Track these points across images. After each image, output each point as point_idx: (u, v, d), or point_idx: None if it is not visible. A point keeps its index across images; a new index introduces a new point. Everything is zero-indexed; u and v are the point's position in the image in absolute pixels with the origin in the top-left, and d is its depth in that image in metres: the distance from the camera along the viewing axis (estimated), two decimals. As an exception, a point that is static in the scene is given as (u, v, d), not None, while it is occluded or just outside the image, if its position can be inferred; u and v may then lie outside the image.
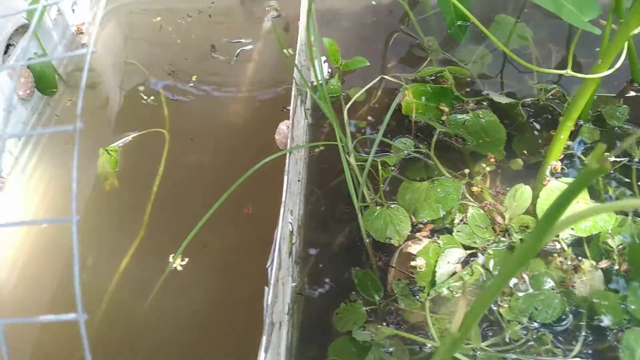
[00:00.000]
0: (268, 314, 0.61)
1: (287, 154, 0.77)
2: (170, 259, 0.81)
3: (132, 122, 1.03)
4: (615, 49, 0.74)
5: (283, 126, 0.87)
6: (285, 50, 1.15)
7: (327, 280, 0.82)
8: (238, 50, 1.14)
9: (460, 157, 0.95)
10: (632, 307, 0.72)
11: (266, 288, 0.63)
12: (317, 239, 0.87)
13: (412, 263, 0.78)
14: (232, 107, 1.09)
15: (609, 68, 0.77)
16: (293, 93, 0.85)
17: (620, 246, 0.78)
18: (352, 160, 0.82)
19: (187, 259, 0.83)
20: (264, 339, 0.59)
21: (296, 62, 0.91)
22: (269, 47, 1.20)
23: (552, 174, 0.89)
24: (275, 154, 0.76)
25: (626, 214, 0.82)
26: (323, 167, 0.96)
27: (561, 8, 0.70)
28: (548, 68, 1.10)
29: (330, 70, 1.07)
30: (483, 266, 0.78)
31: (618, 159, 0.88)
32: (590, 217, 0.80)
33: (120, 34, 1.22)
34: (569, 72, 0.77)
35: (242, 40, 1.19)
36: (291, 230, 0.76)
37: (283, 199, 0.72)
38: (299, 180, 0.88)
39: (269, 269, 0.65)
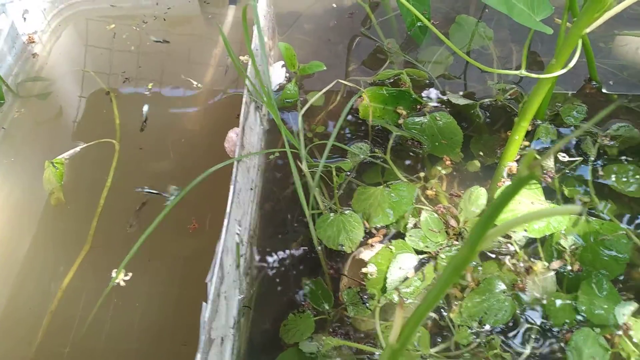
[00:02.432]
0: (205, 331, 0.59)
1: (235, 163, 0.75)
2: (114, 274, 0.79)
3: (83, 133, 1.01)
4: (568, 47, 0.73)
5: (232, 134, 0.85)
6: (242, 57, 1.13)
7: (278, 291, 0.80)
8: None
9: (417, 161, 0.93)
10: (583, 307, 0.71)
11: (204, 304, 0.61)
12: (271, 248, 0.85)
13: (363, 270, 0.76)
14: (189, 114, 1.07)
15: (563, 67, 0.76)
16: (244, 100, 0.83)
17: (573, 246, 0.77)
18: (304, 166, 0.80)
19: (130, 274, 0.80)
20: (199, 356, 0.57)
21: (248, 67, 0.89)
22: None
23: (509, 176, 0.88)
24: (220, 163, 0.74)
25: (580, 214, 0.81)
26: (279, 175, 0.94)
27: (512, 8, 0.69)
28: (509, 67, 1.09)
29: (288, 74, 1.05)
30: (435, 271, 0.77)
31: (572, 159, 0.87)
32: (542, 219, 0.79)
33: (75, 42, 1.19)
34: (523, 72, 0.76)
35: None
36: (238, 241, 0.74)
37: (227, 210, 0.70)
38: (251, 189, 0.86)
39: (208, 284, 0.63)
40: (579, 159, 0.88)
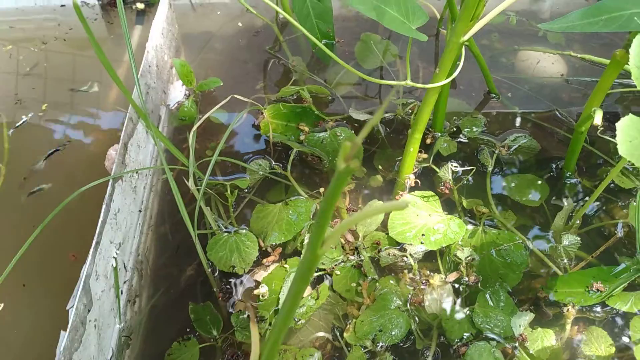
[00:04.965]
0: (59, 363, 0.53)
1: (110, 181, 0.70)
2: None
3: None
4: (450, 56, 0.73)
5: (112, 151, 0.81)
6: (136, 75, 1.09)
7: (169, 318, 0.75)
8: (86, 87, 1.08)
9: (322, 177, 0.91)
10: (479, 320, 0.70)
11: (62, 332, 0.55)
12: (163, 273, 0.80)
13: (255, 291, 0.72)
14: (90, 136, 1.02)
15: (447, 77, 0.76)
16: (127, 116, 0.79)
17: (469, 257, 0.75)
18: (190, 184, 0.76)
19: (2, 304, 0.73)
20: (48, 392, 0.51)
21: (140, 84, 0.85)
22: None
23: (412, 189, 0.86)
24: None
25: (477, 225, 0.80)
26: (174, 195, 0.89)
27: (383, 15, 0.69)
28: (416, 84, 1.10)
29: (187, 92, 1.02)
30: (331, 288, 0.74)
31: (467, 168, 0.87)
32: (439, 230, 0.77)
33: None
34: (408, 82, 0.75)
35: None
36: (116, 265, 0.69)
37: (97, 231, 0.65)
38: (140, 211, 0.81)
39: (69, 311, 0.57)
40: (471, 168, 0.88)
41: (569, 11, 0.70)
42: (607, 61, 1.10)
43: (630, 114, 0.58)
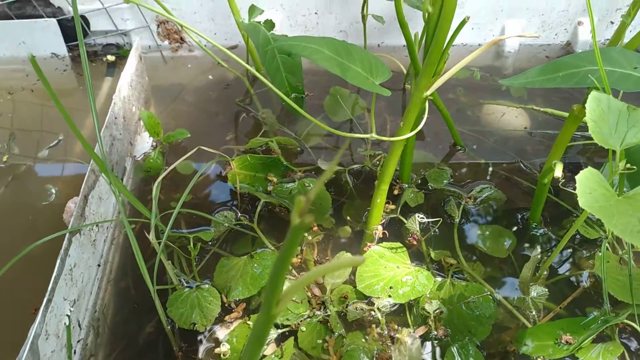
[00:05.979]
0: None
1: (67, 235, 0.68)
2: None
3: None
4: (413, 110, 0.74)
5: (71, 204, 0.78)
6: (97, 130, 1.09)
7: (124, 379, 0.71)
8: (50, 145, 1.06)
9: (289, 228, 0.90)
10: (447, 377, 0.68)
11: (2, 399, 0.52)
12: (122, 331, 0.76)
13: (217, 350, 0.69)
14: (53, 187, 0.99)
15: (412, 130, 0.77)
16: (89, 168, 0.78)
17: (438, 310, 0.74)
18: (151, 237, 0.74)
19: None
20: None
21: (105, 136, 0.84)
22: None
23: (380, 240, 0.86)
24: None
25: (445, 277, 0.80)
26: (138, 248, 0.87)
27: (347, 71, 0.70)
28: (383, 135, 1.11)
29: (155, 143, 1.01)
30: (296, 345, 0.71)
31: (434, 219, 0.87)
32: (407, 283, 0.76)
33: None
34: (373, 135, 0.76)
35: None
36: (68, 323, 0.65)
37: (49, 287, 0.62)
38: (99, 265, 0.78)
39: (13, 375, 0.54)
40: (438, 219, 0.88)
41: (531, 67, 0.72)
42: (567, 115, 1.14)
43: (589, 167, 0.59)
